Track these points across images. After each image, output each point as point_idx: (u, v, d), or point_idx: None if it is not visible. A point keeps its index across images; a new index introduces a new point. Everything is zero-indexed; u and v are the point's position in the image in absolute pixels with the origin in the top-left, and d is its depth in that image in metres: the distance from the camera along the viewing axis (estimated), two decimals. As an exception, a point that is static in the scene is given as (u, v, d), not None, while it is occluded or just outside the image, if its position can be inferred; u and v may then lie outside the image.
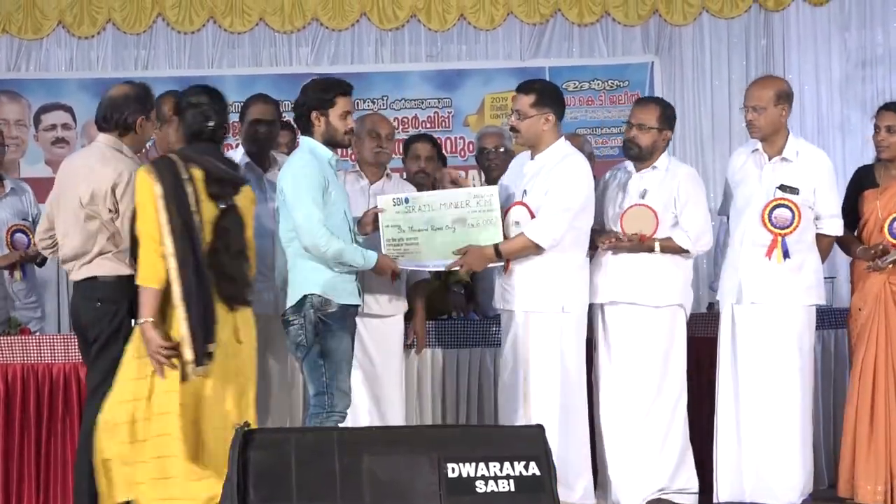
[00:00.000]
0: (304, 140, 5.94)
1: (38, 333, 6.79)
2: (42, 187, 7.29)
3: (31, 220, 7.19)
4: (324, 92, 5.90)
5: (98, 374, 5.52)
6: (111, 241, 5.47)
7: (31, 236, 7.04)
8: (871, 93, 9.70)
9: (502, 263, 6.12)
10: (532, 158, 6.30)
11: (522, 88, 6.35)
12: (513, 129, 6.36)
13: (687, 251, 6.38)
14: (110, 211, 5.45)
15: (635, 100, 7.42)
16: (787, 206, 6.33)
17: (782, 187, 6.35)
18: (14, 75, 10.03)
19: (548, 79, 9.57)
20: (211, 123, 5.41)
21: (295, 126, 6.51)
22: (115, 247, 5.47)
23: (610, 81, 10.27)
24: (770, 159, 6.42)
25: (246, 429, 4.14)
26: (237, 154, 6.70)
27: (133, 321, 5.44)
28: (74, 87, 10.08)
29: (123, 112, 5.58)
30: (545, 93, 6.31)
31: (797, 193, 6.34)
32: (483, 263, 6.10)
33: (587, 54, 10.31)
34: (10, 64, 10.03)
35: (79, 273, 5.56)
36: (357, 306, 5.93)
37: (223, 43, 10.17)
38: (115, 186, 5.44)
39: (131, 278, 5.44)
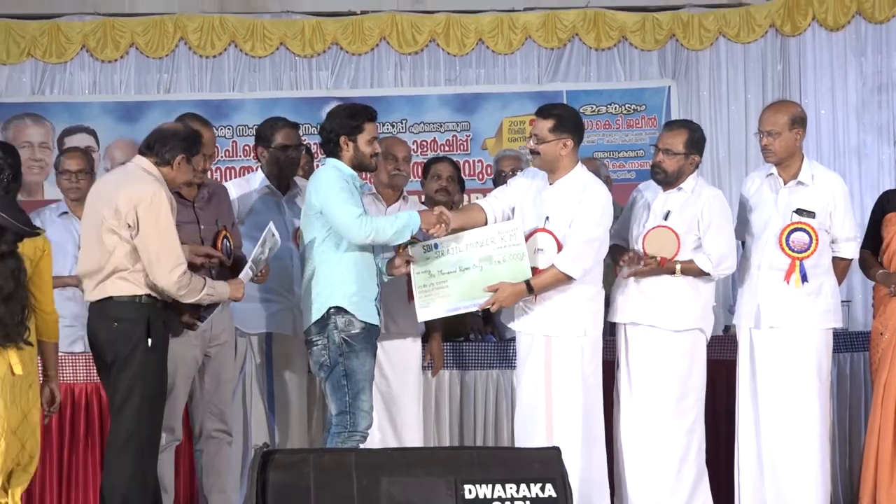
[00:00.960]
0: (329, 161, 6.02)
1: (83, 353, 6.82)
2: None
3: None
4: (352, 118, 5.99)
5: (120, 394, 5.52)
6: (127, 258, 5.48)
7: None
8: (888, 117, 9.69)
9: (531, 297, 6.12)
10: (551, 184, 6.29)
11: (542, 113, 6.34)
12: (533, 152, 6.35)
13: (708, 274, 6.37)
14: (129, 227, 5.46)
15: (665, 123, 7.37)
16: (804, 230, 6.32)
17: (799, 211, 6.34)
18: (38, 98, 10.07)
19: (565, 102, 9.63)
20: (5, 175, 5.48)
21: (308, 149, 6.58)
22: (131, 265, 5.49)
23: (627, 105, 10.28)
24: (786, 183, 6.42)
25: (265, 449, 4.16)
26: (257, 177, 6.73)
27: (149, 340, 5.47)
28: (97, 110, 10.12)
29: (169, 146, 5.62)
30: (564, 118, 6.29)
31: (814, 217, 6.33)
32: (515, 300, 6.07)
33: (604, 78, 10.32)
34: (35, 87, 10.08)
35: (94, 293, 5.57)
36: (378, 328, 5.95)
37: (244, 67, 10.20)
38: (139, 205, 5.46)
39: (146, 298, 5.48)
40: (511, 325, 6.36)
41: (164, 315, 5.56)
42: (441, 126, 10.25)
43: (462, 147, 10.22)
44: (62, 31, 10.00)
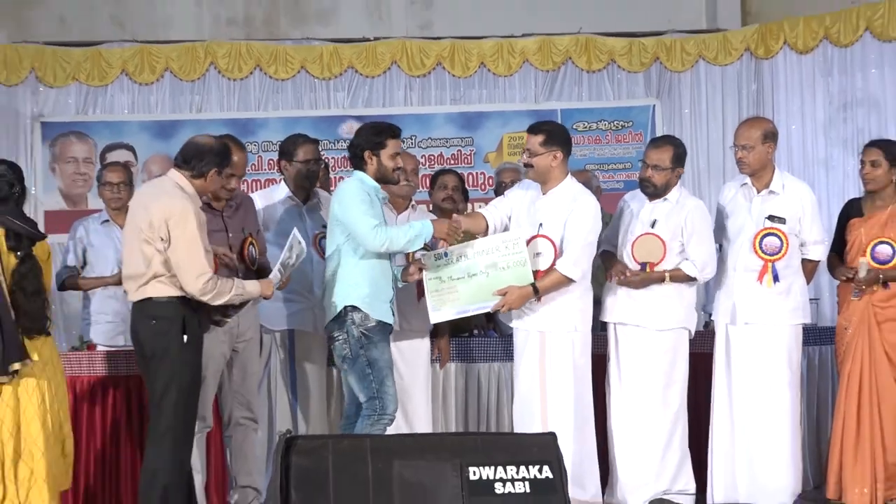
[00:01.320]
0: (355, 174, 6.05)
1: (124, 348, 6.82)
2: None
3: None
4: (376, 135, 6.02)
5: (158, 386, 5.54)
6: (164, 265, 5.49)
7: None
8: (852, 132, 9.67)
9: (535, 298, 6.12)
10: (544, 194, 6.30)
11: (533, 129, 6.36)
12: (527, 165, 6.37)
13: (694, 279, 6.38)
14: (161, 239, 5.47)
15: (651, 139, 7.35)
16: (775, 235, 6.32)
17: (771, 217, 6.34)
18: (82, 118, 10.07)
19: (559, 120, 9.67)
20: (16, 189, 5.71)
21: (325, 164, 6.56)
22: (168, 271, 5.49)
23: (615, 122, 10.28)
24: (759, 192, 6.42)
25: (288, 436, 4.16)
26: (280, 189, 6.74)
27: (184, 337, 5.48)
28: (136, 128, 10.12)
29: (202, 159, 5.62)
30: (553, 133, 6.32)
31: (784, 223, 6.33)
32: (522, 302, 6.09)
33: (595, 98, 10.31)
34: (79, 108, 10.09)
35: (136, 295, 5.57)
36: (391, 325, 5.96)
37: (268, 89, 10.20)
38: (169, 219, 5.46)
39: (181, 299, 5.49)
40: (510, 323, 6.38)
41: (198, 314, 5.58)
42: (447, 141, 10.25)
43: (466, 160, 10.22)
44: (103, 57, 10.00)
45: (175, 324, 5.49)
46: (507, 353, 6.72)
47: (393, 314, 5.97)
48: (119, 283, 6.89)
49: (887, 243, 6.42)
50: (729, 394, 6.42)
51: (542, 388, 6.20)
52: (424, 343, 6.62)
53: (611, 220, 6.71)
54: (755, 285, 6.35)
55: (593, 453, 6.26)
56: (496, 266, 6.07)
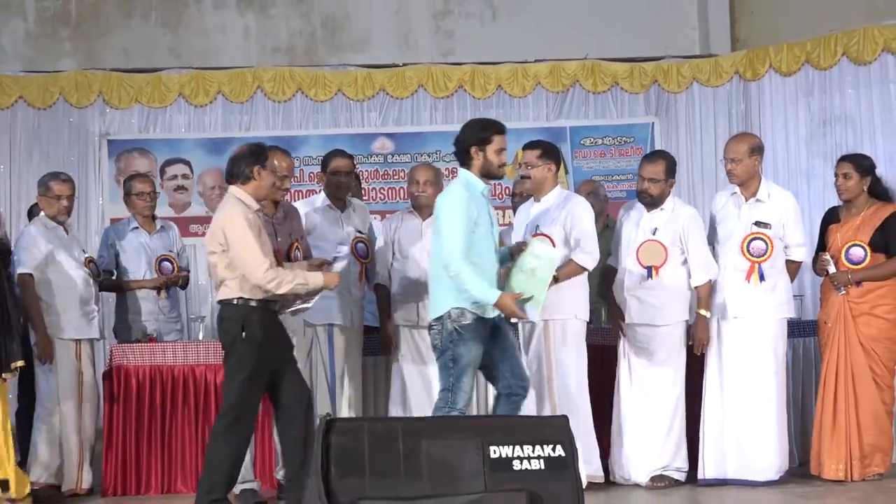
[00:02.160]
0: (461, 172, 5.67)
1: (178, 342, 6.83)
2: (166, 225, 7.41)
3: (175, 252, 7.21)
4: (482, 130, 5.64)
5: (226, 377, 5.59)
6: (226, 270, 5.48)
7: (174, 264, 7.09)
8: (831, 146, 9.61)
9: None
10: (537, 201, 6.34)
11: (530, 146, 6.43)
12: (524, 176, 6.40)
13: (710, 281, 6.37)
14: (220, 245, 5.47)
15: (644, 155, 7.29)
16: (761, 239, 6.29)
17: (757, 223, 6.32)
18: (144, 136, 10.10)
19: (568, 136, 9.67)
20: None
21: (357, 175, 6.48)
22: (230, 275, 5.48)
23: (619, 138, 10.24)
24: (746, 200, 6.39)
25: (328, 418, 4.15)
26: (319, 197, 6.74)
27: (243, 334, 5.46)
28: (192, 145, 10.14)
29: (241, 165, 5.61)
30: (548, 149, 6.41)
31: (769, 228, 6.30)
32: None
33: (600, 116, 10.27)
34: (141, 127, 10.11)
35: (216, 296, 5.67)
36: (491, 319, 5.59)
37: (309, 109, 10.20)
38: (224, 226, 5.47)
39: (240, 300, 5.48)
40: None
41: (259, 313, 5.54)
42: (468, 156, 10.22)
43: (485, 173, 10.19)
44: (163, 82, 10.03)
45: (235, 323, 5.49)
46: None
47: (491, 309, 5.55)
48: (157, 286, 6.95)
49: (859, 246, 6.41)
50: (720, 381, 6.39)
51: (548, 374, 6.19)
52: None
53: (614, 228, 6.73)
54: (743, 284, 6.33)
55: (592, 433, 6.25)
56: (534, 273, 5.69)
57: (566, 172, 10.05)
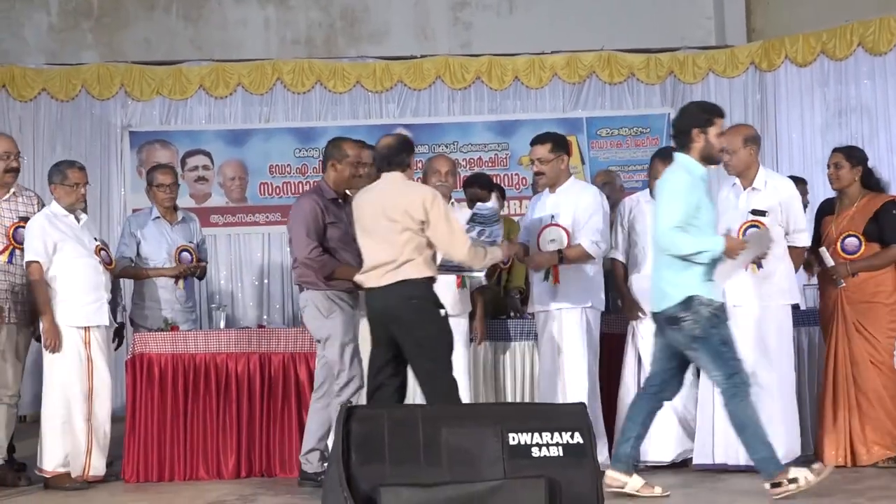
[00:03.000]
0: (678, 157, 5.42)
1: (190, 331, 6.83)
2: (187, 215, 7.43)
3: (195, 243, 7.22)
4: (704, 112, 5.43)
5: (432, 354, 5.48)
6: (416, 250, 5.45)
7: (193, 255, 7.09)
8: (847, 136, 9.56)
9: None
10: (552, 192, 6.32)
11: (539, 140, 6.35)
12: (538, 173, 6.33)
13: None
14: (421, 222, 5.44)
15: (654, 155, 7.12)
16: (756, 226, 6.20)
17: (753, 211, 6.25)
18: (165, 128, 10.12)
19: (584, 127, 9.64)
20: None
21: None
22: (419, 254, 5.45)
23: (635, 128, 10.21)
24: (745, 189, 6.32)
25: (349, 405, 4.15)
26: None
27: (441, 312, 5.48)
28: (212, 136, 10.15)
29: (400, 154, 5.64)
30: (557, 140, 6.35)
31: (765, 215, 6.22)
32: (549, 262, 6.18)
33: (616, 107, 10.25)
34: (162, 119, 10.13)
35: (386, 278, 5.48)
36: (724, 304, 5.44)
37: (328, 101, 10.20)
38: (424, 202, 5.43)
39: (427, 280, 5.50)
40: (531, 308, 6.40)
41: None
42: (485, 146, 10.21)
43: (502, 163, 10.18)
44: (183, 74, 10.04)
45: (428, 301, 5.53)
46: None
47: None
48: (175, 275, 6.96)
49: (854, 236, 6.42)
50: None
51: (561, 363, 6.18)
52: (462, 324, 6.56)
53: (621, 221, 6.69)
54: (741, 271, 6.26)
55: (600, 420, 6.20)
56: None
57: (582, 163, 10.03)
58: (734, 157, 6.25)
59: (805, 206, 6.77)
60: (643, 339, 6.37)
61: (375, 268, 5.49)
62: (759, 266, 6.14)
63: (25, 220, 6.53)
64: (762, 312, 6.22)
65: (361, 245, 5.62)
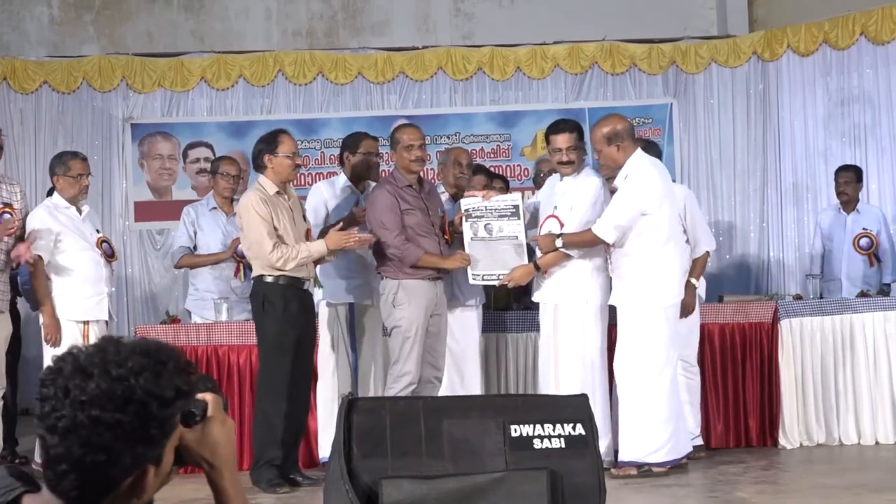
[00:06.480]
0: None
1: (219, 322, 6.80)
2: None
3: None
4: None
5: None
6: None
7: None
8: (849, 126, 9.54)
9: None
10: (561, 180, 6.26)
11: (566, 128, 6.15)
12: (567, 162, 6.16)
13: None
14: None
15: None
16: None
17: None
18: (167, 120, 10.09)
19: (587, 118, 9.56)
20: None
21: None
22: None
23: (637, 119, 10.13)
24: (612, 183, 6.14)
25: (350, 398, 4.12)
26: (340, 179, 6.69)
27: (263, 309, 5.69)
28: (214, 128, 10.12)
29: (257, 157, 5.72)
30: (581, 129, 6.28)
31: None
32: (527, 278, 6.17)
33: (619, 98, 10.20)
34: (164, 111, 10.10)
35: None
36: None
37: (330, 92, 10.16)
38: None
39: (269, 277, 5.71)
40: (534, 298, 6.35)
41: (279, 288, 5.76)
42: (487, 137, 10.18)
43: (504, 154, 10.14)
44: (185, 66, 10.01)
45: (258, 298, 5.79)
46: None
47: None
48: (229, 258, 7.01)
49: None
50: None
51: (555, 356, 6.11)
52: (475, 314, 6.54)
53: None
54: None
55: (605, 416, 6.02)
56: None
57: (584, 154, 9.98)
58: (601, 155, 6.05)
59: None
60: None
61: None
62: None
63: (8, 206, 6.30)
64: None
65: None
